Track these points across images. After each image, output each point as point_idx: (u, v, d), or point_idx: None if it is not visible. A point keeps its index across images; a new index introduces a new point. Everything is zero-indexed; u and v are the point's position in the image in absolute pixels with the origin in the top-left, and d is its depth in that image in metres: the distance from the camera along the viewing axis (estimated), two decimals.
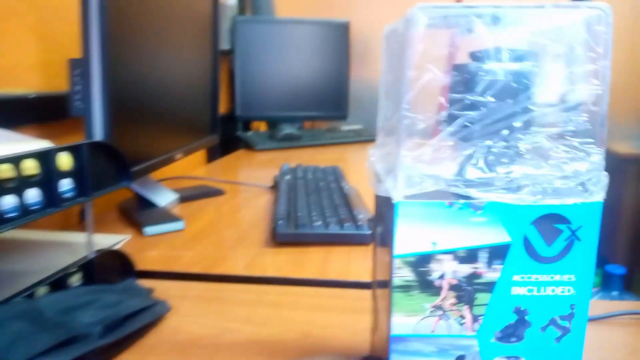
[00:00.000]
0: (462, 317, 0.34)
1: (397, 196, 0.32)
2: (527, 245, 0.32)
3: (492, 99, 0.30)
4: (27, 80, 0.92)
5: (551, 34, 0.30)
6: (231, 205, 1.04)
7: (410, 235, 0.32)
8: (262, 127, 2.13)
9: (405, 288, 0.33)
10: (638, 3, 1.97)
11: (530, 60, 0.31)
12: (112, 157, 0.59)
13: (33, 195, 0.48)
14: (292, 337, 0.52)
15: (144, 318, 0.52)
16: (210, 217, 0.94)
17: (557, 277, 0.33)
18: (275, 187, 1.14)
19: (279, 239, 0.77)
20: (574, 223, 0.32)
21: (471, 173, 0.31)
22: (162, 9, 0.94)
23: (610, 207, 2.13)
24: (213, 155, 1.83)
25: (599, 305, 0.58)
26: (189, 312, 0.57)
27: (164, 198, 0.99)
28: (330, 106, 1.94)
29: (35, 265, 0.58)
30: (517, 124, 0.31)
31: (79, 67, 0.70)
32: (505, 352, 0.34)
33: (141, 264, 0.69)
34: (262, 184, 1.20)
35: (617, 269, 2.01)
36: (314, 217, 0.82)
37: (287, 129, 1.86)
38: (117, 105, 0.76)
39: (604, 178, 0.32)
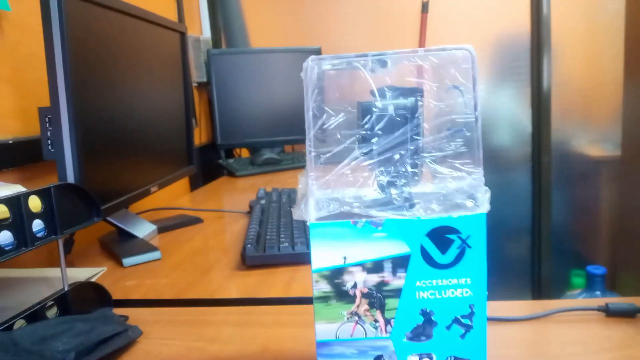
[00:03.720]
0: (376, 321, 0.38)
1: (309, 219, 0.37)
2: (425, 254, 0.37)
3: (380, 132, 0.36)
4: (5, 126, 0.97)
5: (428, 73, 0.36)
6: (208, 232, 1.08)
7: (324, 252, 0.37)
8: (244, 153, 2.18)
9: (324, 299, 0.38)
10: (593, 9, 2.05)
11: (414, 95, 0.37)
12: (81, 196, 0.64)
13: (5, 237, 0.53)
14: (253, 352, 0.57)
15: (115, 343, 0.56)
16: (187, 246, 0.99)
17: (455, 281, 0.37)
18: (250, 212, 1.19)
19: (248, 262, 0.81)
20: (464, 233, 0.37)
21: (370, 195, 0.37)
22: (129, 49, 1.00)
23: (588, 209, 2.19)
24: (196, 183, 1.88)
25: (540, 305, 0.63)
26: (159, 335, 0.62)
27: (143, 230, 1.04)
28: None
29: (13, 300, 0.63)
30: (406, 151, 0.36)
31: (47, 115, 0.75)
32: (417, 350, 0.39)
33: (118, 294, 0.74)
34: (239, 209, 1.25)
35: (599, 269, 2.05)
36: (282, 238, 0.87)
37: (268, 154, 1.92)
38: (88, 147, 0.81)
39: (486, 192, 0.37)
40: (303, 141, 2.11)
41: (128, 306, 0.71)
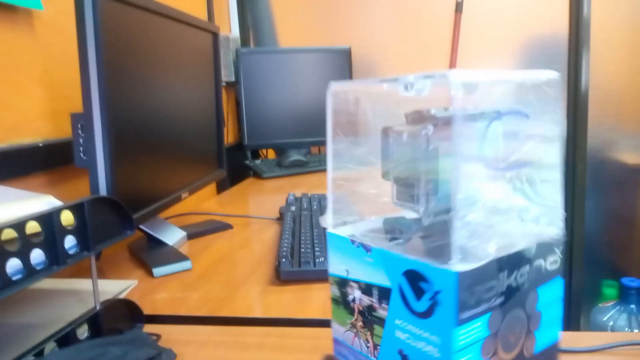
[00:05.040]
0: (367, 341, 0.37)
1: (327, 226, 0.37)
2: (402, 294, 0.34)
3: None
4: (35, 129, 0.95)
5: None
6: (238, 240, 1.05)
7: (335, 259, 0.38)
8: (270, 154, 2.15)
9: (336, 301, 0.39)
10: (636, 9, 1.97)
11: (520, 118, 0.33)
12: (114, 209, 0.61)
13: (37, 255, 0.50)
14: None
15: None
16: (217, 254, 0.96)
17: (426, 335, 0.33)
18: (281, 218, 1.16)
19: (283, 277, 0.78)
20: (435, 285, 0.31)
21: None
22: (162, 51, 0.97)
23: (623, 218, 2.11)
24: (223, 184, 1.85)
25: (599, 336, 0.59)
26: (195, 358, 0.59)
27: (173, 236, 1.01)
28: None
29: (43, 317, 0.60)
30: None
31: (80, 122, 0.72)
32: None
33: (149, 308, 0.71)
34: (269, 216, 1.21)
35: (634, 282, 1.98)
36: (318, 252, 0.83)
37: (294, 156, 1.88)
38: (121, 153, 0.79)
39: (463, 247, 0.31)
40: None
41: (159, 322, 0.68)
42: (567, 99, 2.04)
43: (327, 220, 0.38)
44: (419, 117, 0.31)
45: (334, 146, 0.37)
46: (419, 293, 0.32)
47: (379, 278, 0.35)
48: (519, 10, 2.02)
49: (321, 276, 0.78)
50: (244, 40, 2.11)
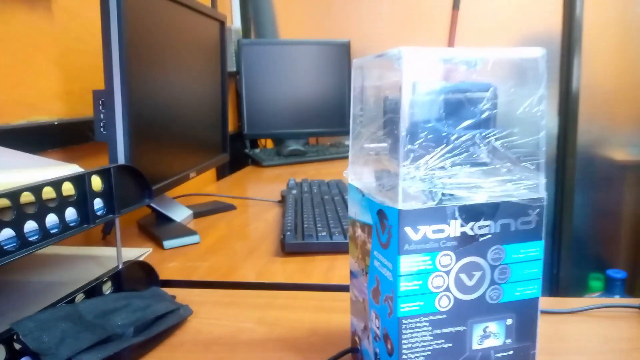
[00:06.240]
0: (363, 270, 0.45)
1: (348, 178, 0.46)
2: (376, 229, 0.40)
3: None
4: (51, 108, 1.00)
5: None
6: (242, 219, 1.10)
7: (351, 205, 0.46)
8: (268, 144, 2.20)
9: (351, 239, 0.48)
10: (626, 11, 2.04)
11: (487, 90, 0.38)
12: (135, 178, 0.66)
13: (71, 213, 0.55)
14: (301, 335, 0.59)
15: (170, 320, 0.59)
16: (223, 231, 1.01)
17: (386, 262, 0.39)
18: (282, 201, 1.21)
19: (288, 249, 0.83)
20: (390, 221, 0.38)
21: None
22: (175, 37, 1.02)
23: (611, 213, 2.18)
24: (222, 172, 1.90)
25: (578, 300, 0.64)
26: (208, 315, 0.64)
27: (180, 214, 1.06)
28: (333, 122, 2.02)
29: (70, 276, 0.65)
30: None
31: (102, 98, 0.77)
32: (373, 307, 0.43)
33: (163, 274, 0.76)
34: (271, 198, 1.27)
35: (619, 273, 2.05)
36: (319, 228, 0.88)
37: (293, 145, 1.93)
38: (138, 131, 0.84)
39: (402, 192, 0.37)
40: (328, 134, 2.13)
41: (174, 286, 0.73)
42: (559, 97, 2.11)
43: (349, 174, 0.45)
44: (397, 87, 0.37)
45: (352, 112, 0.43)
46: (383, 228, 0.39)
47: (367, 218, 0.42)
48: (514, 8, 2.08)
49: (323, 248, 0.83)
50: (246, 32, 2.16)
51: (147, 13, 0.90)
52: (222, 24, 1.28)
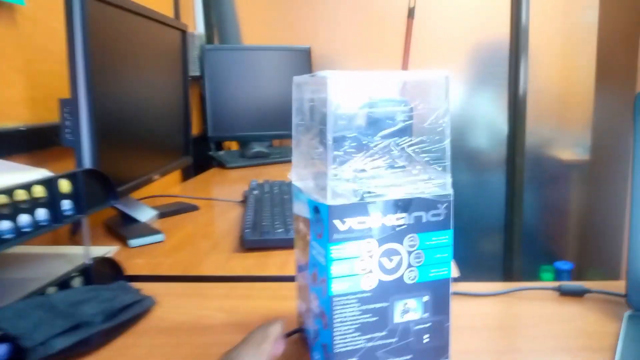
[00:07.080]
0: (305, 260, 0.52)
1: (292, 179, 0.53)
2: (313, 222, 0.47)
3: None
4: (16, 114, 1.04)
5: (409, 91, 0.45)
6: (205, 219, 1.16)
7: (295, 204, 0.53)
8: (233, 146, 2.26)
9: (297, 233, 0.56)
10: (569, 20, 2.17)
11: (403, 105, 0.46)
12: (101, 180, 0.72)
13: (42, 213, 0.61)
14: (255, 320, 0.65)
15: (135, 309, 0.64)
16: (186, 230, 1.07)
17: (321, 250, 0.46)
18: (244, 201, 1.27)
19: (246, 245, 0.90)
20: (322, 215, 0.45)
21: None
22: (138, 46, 1.07)
23: (558, 209, 2.32)
24: (188, 174, 1.94)
25: (503, 285, 0.73)
26: (171, 305, 0.70)
27: (145, 214, 1.11)
28: None
29: (41, 272, 0.70)
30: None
31: (68, 106, 0.82)
32: (313, 289, 0.50)
33: (129, 270, 0.81)
34: (233, 199, 1.33)
35: (566, 265, 2.19)
36: (277, 225, 0.95)
37: (257, 147, 1.99)
38: (103, 136, 0.89)
39: (330, 190, 0.45)
40: (290, 136, 2.19)
41: (140, 281, 0.79)
42: (508, 100, 2.23)
43: (293, 176, 0.52)
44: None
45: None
46: (318, 221, 0.46)
47: (307, 213, 0.49)
48: (465, 18, 2.19)
49: (280, 244, 0.90)
50: (209, 37, 2.21)
51: (111, 24, 0.95)
52: (183, 32, 1.33)
